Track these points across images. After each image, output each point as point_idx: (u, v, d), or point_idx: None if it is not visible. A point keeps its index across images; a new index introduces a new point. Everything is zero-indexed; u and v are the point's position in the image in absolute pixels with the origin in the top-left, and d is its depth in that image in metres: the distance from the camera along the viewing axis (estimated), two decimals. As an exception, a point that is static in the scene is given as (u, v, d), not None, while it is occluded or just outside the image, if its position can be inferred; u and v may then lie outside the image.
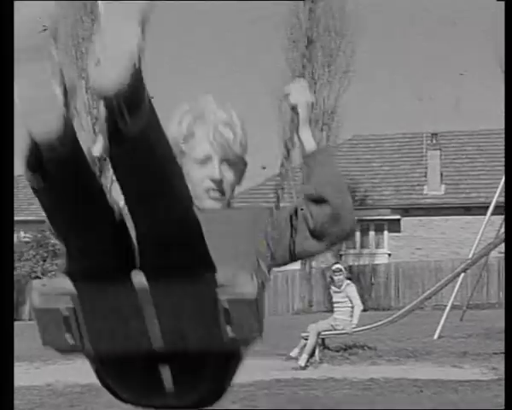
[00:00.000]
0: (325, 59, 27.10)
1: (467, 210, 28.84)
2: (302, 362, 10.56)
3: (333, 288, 11.48)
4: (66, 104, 1.57)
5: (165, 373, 1.88)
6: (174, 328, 1.76)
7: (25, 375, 10.41)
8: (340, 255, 29.42)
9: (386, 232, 30.33)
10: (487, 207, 15.88)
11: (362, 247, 30.16)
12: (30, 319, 29.04)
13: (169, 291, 1.73)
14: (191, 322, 1.76)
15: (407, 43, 60.01)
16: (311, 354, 10.87)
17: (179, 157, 2.16)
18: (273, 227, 2.02)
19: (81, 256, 1.73)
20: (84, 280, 1.73)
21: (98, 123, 1.78)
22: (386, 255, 29.94)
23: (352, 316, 11.22)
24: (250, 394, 7.98)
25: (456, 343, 12.53)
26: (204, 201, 2.20)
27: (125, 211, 1.73)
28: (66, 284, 1.75)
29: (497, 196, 15.07)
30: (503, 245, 9.21)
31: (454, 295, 14.99)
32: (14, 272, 32.20)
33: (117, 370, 1.93)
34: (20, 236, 36.59)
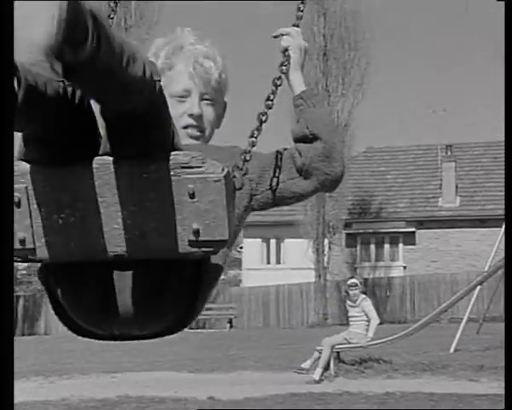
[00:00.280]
0: (339, 71, 27.10)
1: (482, 222, 28.69)
2: (317, 376, 10.52)
3: (348, 302, 11.44)
4: None
5: (125, 287, 1.65)
6: (134, 223, 1.56)
7: (40, 389, 10.43)
8: (355, 268, 29.34)
9: (401, 245, 30.21)
10: (503, 219, 15.78)
11: (377, 260, 30.06)
12: (45, 334, 29.10)
13: (131, 180, 1.56)
14: (153, 215, 1.56)
15: (421, 56, 60.05)
16: (326, 368, 10.83)
17: None
18: (252, 145, 1.86)
19: (40, 143, 1.58)
20: (40, 165, 1.57)
21: None
22: (402, 268, 29.82)
23: (367, 330, 11.18)
24: (265, 407, 7.96)
25: (472, 357, 12.43)
26: (182, 138, 1.99)
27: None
28: (21, 164, 1.57)
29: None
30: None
31: (470, 307, 14.89)
32: (30, 287, 32.32)
33: (70, 279, 1.70)
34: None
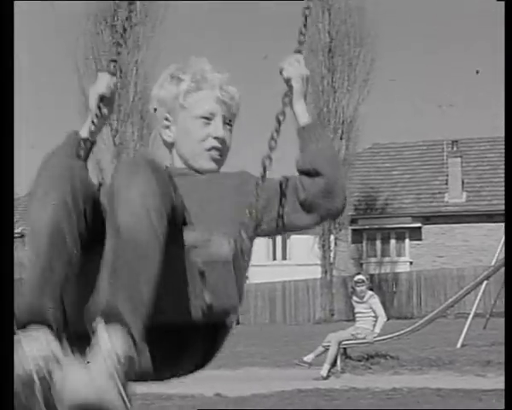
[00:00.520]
0: (344, 68, 27.05)
1: (489, 217, 28.62)
2: (324, 372, 10.51)
3: (355, 298, 11.42)
4: None
5: (145, 353, 1.78)
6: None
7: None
8: (361, 264, 29.32)
9: (407, 240, 30.17)
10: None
11: (383, 255, 30.03)
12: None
13: None
14: (168, 293, 1.72)
15: (426, 51, 59.85)
16: (333, 364, 10.82)
17: (178, 111, 2.17)
18: (259, 196, 1.96)
19: None
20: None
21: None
22: (408, 264, 29.78)
23: (374, 326, 11.16)
24: (272, 404, 7.95)
25: (479, 352, 12.41)
26: (204, 160, 2.15)
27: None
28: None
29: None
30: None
31: (477, 302, 14.86)
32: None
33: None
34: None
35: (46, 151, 2.05)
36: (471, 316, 14.41)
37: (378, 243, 30.29)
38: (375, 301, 11.23)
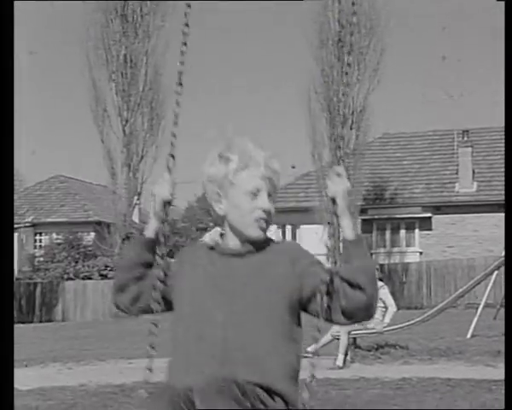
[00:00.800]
0: (354, 57, 26.95)
1: (500, 207, 28.48)
2: (340, 362, 10.51)
3: (364, 287, 11.40)
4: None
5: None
6: None
7: (58, 375, 10.51)
8: (371, 254, 29.29)
9: (417, 230, 30.11)
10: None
11: (392, 245, 29.99)
12: (63, 320, 29.31)
13: None
14: None
15: (438, 40, 59.59)
16: (346, 353, 10.81)
17: (226, 193, 2.51)
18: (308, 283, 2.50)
19: None
20: None
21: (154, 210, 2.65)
22: (418, 254, 29.72)
23: (383, 315, 11.16)
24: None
25: (489, 342, 12.39)
26: (253, 229, 2.48)
27: None
28: None
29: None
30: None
31: (487, 293, 14.83)
32: (48, 273, 32.51)
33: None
34: (53, 237, 36.96)
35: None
36: (481, 306, 14.39)
37: (388, 233, 30.24)
38: (385, 292, 11.22)
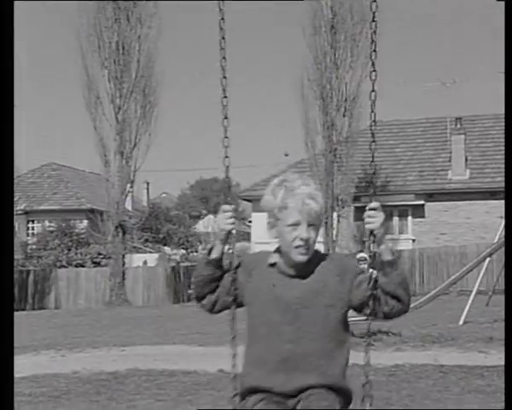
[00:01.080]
0: (347, 44, 26.89)
1: (492, 194, 28.59)
2: None
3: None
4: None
5: None
6: None
7: (51, 362, 10.51)
8: (364, 242, 29.32)
9: (410, 218, 30.18)
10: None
11: (385, 233, 29.93)
12: (55, 308, 29.30)
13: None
14: None
15: (431, 27, 59.54)
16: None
17: (275, 223, 3.06)
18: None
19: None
20: None
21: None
22: (411, 241, 29.80)
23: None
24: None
25: (481, 329, 12.45)
26: (295, 255, 3.03)
27: None
28: None
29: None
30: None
31: (479, 280, 14.89)
32: (40, 261, 32.46)
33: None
34: (45, 225, 36.91)
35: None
36: (473, 293, 14.45)
37: (381, 220, 30.29)
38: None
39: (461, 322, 13.53)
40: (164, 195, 74.35)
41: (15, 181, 39.91)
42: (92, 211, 33.91)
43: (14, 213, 35.96)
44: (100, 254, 31.88)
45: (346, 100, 26.88)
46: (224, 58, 3.16)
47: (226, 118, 3.20)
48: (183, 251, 40.50)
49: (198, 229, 52.01)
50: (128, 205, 32.72)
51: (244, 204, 43.72)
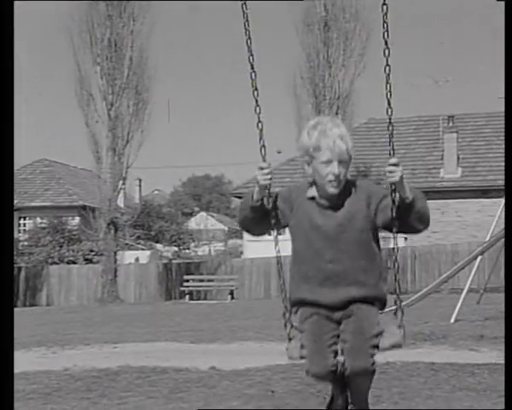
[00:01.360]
0: (340, 42, 26.90)
1: (484, 193, 28.68)
2: None
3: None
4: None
5: None
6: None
7: (42, 359, 10.49)
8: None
9: (402, 216, 30.21)
10: (505, 189, 15.74)
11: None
12: (47, 305, 29.24)
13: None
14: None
15: (424, 26, 59.62)
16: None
17: (310, 160, 3.60)
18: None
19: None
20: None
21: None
22: (402, 239, 29.81)
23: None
24: (266, 378, 8.00)
25: (473, 327, 12.49)
26: (328, 188, 3.59)
27: None
28: None
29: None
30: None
31: (471, 278, 14.92)
32: (32, 258, 32.38)
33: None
34: (37, 221, 36.81)
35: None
36: (465, 291, 14.48)
37: (373, 218, 30.34)
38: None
39: (452, 320, 13.56)
40: (156, 192, 74.31)
41: (7, 177, 39.73)
42: (84, 208, 33.84)
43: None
44: (92, 250, 31.82)
45: (338, 98, 26.91)
46: (252, 55, 3.94)
47: (258, 105, 3.97)
48: (175, 248, 40.49)
49: (190, 226, 52.00)
50: (120, 202, 32.66)
51: (236, 201, 43.72)
